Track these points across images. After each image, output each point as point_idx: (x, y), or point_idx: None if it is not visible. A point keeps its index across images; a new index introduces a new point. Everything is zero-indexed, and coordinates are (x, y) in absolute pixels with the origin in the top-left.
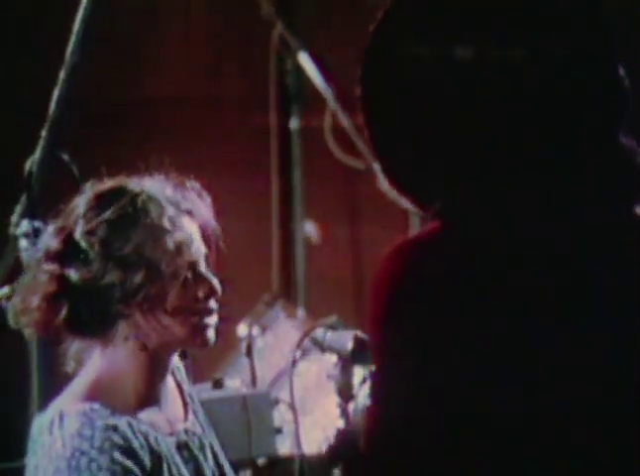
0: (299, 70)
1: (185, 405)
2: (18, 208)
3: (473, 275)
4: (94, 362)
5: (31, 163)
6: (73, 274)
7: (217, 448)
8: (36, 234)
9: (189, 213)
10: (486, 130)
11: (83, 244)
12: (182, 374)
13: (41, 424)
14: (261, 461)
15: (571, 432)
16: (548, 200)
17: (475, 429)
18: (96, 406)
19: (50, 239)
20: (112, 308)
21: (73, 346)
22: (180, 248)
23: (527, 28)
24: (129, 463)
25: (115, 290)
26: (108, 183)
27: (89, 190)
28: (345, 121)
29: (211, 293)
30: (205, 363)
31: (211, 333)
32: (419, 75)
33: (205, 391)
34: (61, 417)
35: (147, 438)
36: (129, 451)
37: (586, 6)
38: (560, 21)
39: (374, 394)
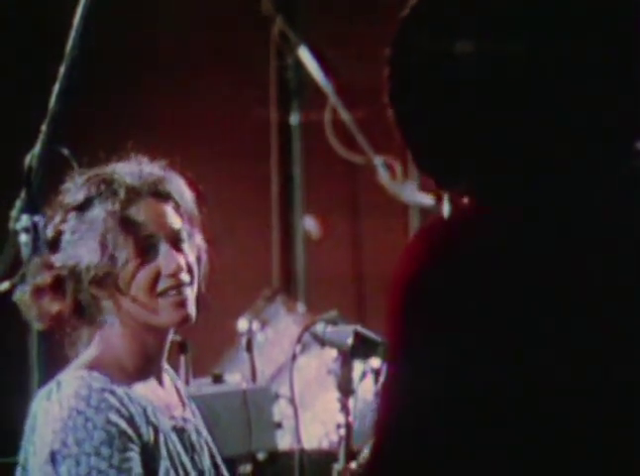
0: (299, 66)
1: (183, 404)
2: (18, 203)
3: (503, 267)
4: (94, 344)
5: (30, 157)
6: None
7: (214, 449)
8: (35, 229)
9: (155, 195)
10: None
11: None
12: (173, 374)
13: (39, 396)
14: (261, 456)
15: (590, 432)
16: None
17: (499, 428)
18: (95, 373)
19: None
20: (87, 294)
21: (82, 334)
22: (129, 228)
23: (550, 27)
24: (124, 425)
25: (80, 276)
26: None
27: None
28: (345, 116)
29: (177, 269)
30: (205, 358)
31: (183, 309)
32: (445, 70)
33: (205, 386)
34: (59, 384)
35: (145, 410)
36: (125, 415)
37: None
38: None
39: (389, 388)
